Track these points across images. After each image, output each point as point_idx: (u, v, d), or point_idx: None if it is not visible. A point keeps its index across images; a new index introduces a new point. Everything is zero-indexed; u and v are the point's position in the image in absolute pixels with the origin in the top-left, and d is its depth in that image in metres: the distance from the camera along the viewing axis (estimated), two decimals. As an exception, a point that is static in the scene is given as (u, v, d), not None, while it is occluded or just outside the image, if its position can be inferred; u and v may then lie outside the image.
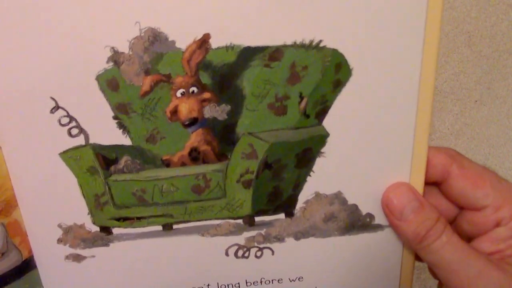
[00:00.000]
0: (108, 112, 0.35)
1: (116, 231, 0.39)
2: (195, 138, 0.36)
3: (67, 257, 0.40)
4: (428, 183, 0.38)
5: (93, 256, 0.40)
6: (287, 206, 0.39)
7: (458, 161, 0.38)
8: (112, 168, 0.37)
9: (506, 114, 0.71)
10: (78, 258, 0.40)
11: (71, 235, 0.39)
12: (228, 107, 0.35)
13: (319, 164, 0.37)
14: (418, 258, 0.40)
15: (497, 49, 0.68)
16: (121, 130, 0.35)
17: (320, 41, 0.33)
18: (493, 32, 0.67)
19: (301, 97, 0.35)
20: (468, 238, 0.39)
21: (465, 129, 0.72)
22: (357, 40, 0.33)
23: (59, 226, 0.38)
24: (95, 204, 0.38)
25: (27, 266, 0.41)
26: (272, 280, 0.42)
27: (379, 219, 0.39)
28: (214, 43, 0.33)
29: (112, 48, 0.33)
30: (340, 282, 0.42)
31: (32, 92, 0.34)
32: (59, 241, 0.39)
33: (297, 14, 0.33)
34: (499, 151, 0.73)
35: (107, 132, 0.35)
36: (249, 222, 0.39)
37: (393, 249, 0.40)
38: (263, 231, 0.39)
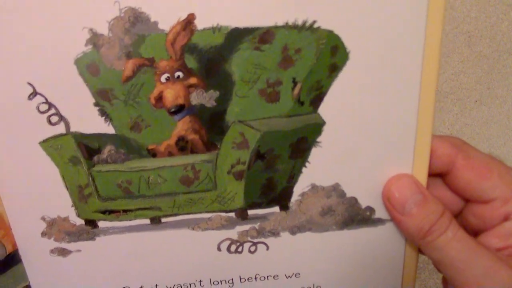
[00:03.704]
0: (89, 98, 0.33)
1: (102, 224, 0.37)
2: (182, 126, 0.34)
3: (52, 251, 0.38)
4: (432, 174, 0.36)
5: (79, 250, 0.38)
6: (282, 199, 0.36)
7: (463, 150, 0.35)
8: (95, 158, 0.35)
9: (506, 114, 0.71)
10: (63, 252, 0.38)
11: (55, 228, 0.37)
12: (217, 93, 0.33)
13: (315, 154, 0.35)
14: (421, 252, 0.38)
15: (497, 49, 0.68)
16: (103, 117, 0.33)
17: (314, 21, 0.31)
18: (493, 32, 0.67)
19: (295, 83, 0.33)
20: (474, 233, 0.36)
21: (465, 129, 0.72)
22: (354, 20, 0.31)
23: (43, 219, 0.37)
24: (79, 196, 0.36)
25: (11, 260, 0.40)
26: (267, 277, 0.40)
27: (380, 212, 0.37)
28: (200, 24, 0.31)
29: (91, 29, 0.31)
30: (339, 279, 0.40)
31: (7, 77, 0.32)
32: (43, 234, 0.37)
33: None
34: (499, 151, 0.74)
35: (88, 119, 0.33)
36: (242, 216, 0.37)
37: (395, 244, 0.38)
38: (257, 225, 0.37)
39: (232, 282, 0.40)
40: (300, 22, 0.31)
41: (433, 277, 0.69)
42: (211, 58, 0.32)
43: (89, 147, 0.34)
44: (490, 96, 0.69)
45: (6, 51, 0.31)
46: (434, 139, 0.35)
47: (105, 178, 0.35)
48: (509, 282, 0.33)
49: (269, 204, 0.37)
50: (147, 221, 0.37)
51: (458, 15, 0.65)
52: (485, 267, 0.33)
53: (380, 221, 0.37)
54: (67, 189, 0.36)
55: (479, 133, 0.71)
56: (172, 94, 0.33)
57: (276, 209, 0.37)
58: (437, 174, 0.37)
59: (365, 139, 0.34)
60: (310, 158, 0.35)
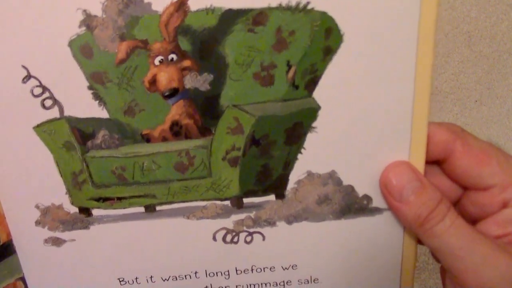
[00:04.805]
0: (83, 81, 0.33)
1: (96, 212, 0.37)
2: (176, 110, 0.34)
3: (46, 241, 0.38)
4: (429, 161, 0.35)
5: (73, 240, 0.37)
6: (278, 187, 0.36)
7: (461, 137, 0.35)
8: (89, 143, 0.34)
9: (506, 114, 0.71)
10: (57, 242, 0.37)
11: (49, 216, 0.37)
12: (211, 77, 0.33)
13: (311, 140, 0.35)
14: (420, 242, 0.37)
15: (497, 49, 0.68)
16: (97, 101, 0.33)
17: (308, 2, 0.31)
18: (493, 32, 0.67)
19: (289, 66, 0.33)
20: (473, 221, 0.36)
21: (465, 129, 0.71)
22: (348, 2, 0.31)
23: (37, 206, 0.36)
24: (73, 183, 0.35)
25: (5, 250, 0.39)
26: (263, 268, 0.39)
27: (377, 201, 0.36)
28: (193, 5, 0.31)
29: (84, 11, 0.31)
30: (336, 271, 0.39)
31: (1, 60, 0.32)
32: (37, 223, 0.37)
33: None
34: (499, 151, 0.73)
35: (82, 103, 0.33)
36: (237, 204, 0.36)
37: (393, 234, 0.37)
38: (252, 214, 0.37)
39: (228, 274, 0.39)
40: (293, 3, 0.31)
41: (433, 277, 0.68)
42: (204, 40, 0.32)
43: (82, 132, 0.34)
44: (490, 96, 0.69)
45: (0, 34, 0.31)
46: (432, 126, 0.34)
47: (99, 164, 0.35)
48: (507, 269, 0.32)
49: (264, 192, 0.36)
50: (142, 209, 0.37)
51: (458, 15, 0.65)
52: (483, 254, 0.32)
53: (377, 210, 0.37)
54: (61, 175, 0.35)
55: (479, 133, 0.71)
56: (166, 77, 0.33)
57: (272, 197, 0.36)
58: (435, 162, 0.36)
59: (360, 125, 0.34)
60: (306, 144, 0.35)
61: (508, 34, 0.66)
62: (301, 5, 0.31)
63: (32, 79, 0.32)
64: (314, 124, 0.34)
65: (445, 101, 0.69)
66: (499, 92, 0.69)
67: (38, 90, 0.33)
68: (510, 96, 0.69)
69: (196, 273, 0.39)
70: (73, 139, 0.34)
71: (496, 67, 0.68)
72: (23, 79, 0.32)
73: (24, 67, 0.32)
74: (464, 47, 0.67)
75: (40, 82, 0.32)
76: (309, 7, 0.31)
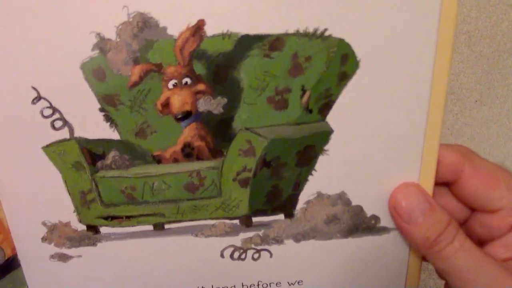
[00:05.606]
0: (94, 103, 0.32)
1: (104, 230, 0.36)
2: (188, 133, 0.33)
3: (52, 257, 0.37)
4: (438, 183, 0.36)
5: (80, 256, 0.37)
6: (287, 207, 0.36)
7: (470, 159, 0.35)
8: (99, 163, 0.34)
9: (506, 114, 0.72)
10: (64, 257, 0.37)
11: (56, 233, 0.36)
12: (224, 100, 0.33)
13: (322, 162, 0.34)
14: (425, 260, 0.38)
15: (497, 49, 0.68)
16: (108, 123, 0.33)
17: (325, 29, 0.31)
18: (493, 32, 0.67)
19: (304, 90, 0.33)
20: (480, 243, 0.36)
21: (465, 129, 0.71)
22: (365, 29, 0.31)
23: (43, 224, 0.36)
24: (81, 202, 0.35)
25: (10, 265, 0.39)
26: (270, 284, 0.39)
27: (385, 221, 0.36)
28: (209, 30, 0.30)
29: (98, 34, 0.30)
30: (341, 287, 0.39)
31: (11, 81, 0.31)
32: (44, 239, 0.37)
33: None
34: (499, 151, 0.74)
35: (93, 125, 0.33)
36: (246, 223, 0.36)
37: (399, 253, 0.38)
38: (260, 232, 0.37)
39: (234, 289, 0.39)
40: (311, 30, 0.31)
41: (433, 277, 0.69)
42: (219, 64, 0.32)
43: (92, 153, 0.34)
44: (490, 96, 0.69)
45: (11, 54, 0.30)
46: (441, 148, 0.35)
47: (109, 184, 0.35)
48: (515, 293, 0.33)
49: (274, 212, 0.36)
50: (150, 227, 0.36)
51: (458, 15, 0.65)
52: (492, 277, 0.33)
53: (384, 230, 0.37)
54: (69, 194, 0.35)
55: (479, 133, 0.71)
56: (179, 100, 0.33)
57: (281, 216, 0.36)
58: (443, 183, 0.36)
59: (372, 147, 0.34)
60: (317, 166, 0.35)
61: (508, 34, 0.66)
62: (318, 32, 0.31)
63: (42, 100, 0.32)
64: (325, 147, 0.34)
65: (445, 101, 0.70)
66: (499, 92, 0.69)
67: (48, 111, 0.32)
68: (510, 96, 0.69)
69: (202, 288, 0.39)
70: (82, 159, 0.34)
71: (496, 67, 0.68)
72: (33, 100, 0.32)
73: (34, 88, 0.31)
74: (464, 47, 0.67)
75: (50, 103, 0.32)
76: (327, 33, 0.31)
